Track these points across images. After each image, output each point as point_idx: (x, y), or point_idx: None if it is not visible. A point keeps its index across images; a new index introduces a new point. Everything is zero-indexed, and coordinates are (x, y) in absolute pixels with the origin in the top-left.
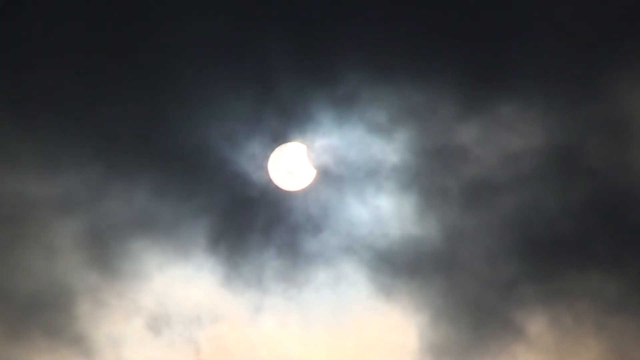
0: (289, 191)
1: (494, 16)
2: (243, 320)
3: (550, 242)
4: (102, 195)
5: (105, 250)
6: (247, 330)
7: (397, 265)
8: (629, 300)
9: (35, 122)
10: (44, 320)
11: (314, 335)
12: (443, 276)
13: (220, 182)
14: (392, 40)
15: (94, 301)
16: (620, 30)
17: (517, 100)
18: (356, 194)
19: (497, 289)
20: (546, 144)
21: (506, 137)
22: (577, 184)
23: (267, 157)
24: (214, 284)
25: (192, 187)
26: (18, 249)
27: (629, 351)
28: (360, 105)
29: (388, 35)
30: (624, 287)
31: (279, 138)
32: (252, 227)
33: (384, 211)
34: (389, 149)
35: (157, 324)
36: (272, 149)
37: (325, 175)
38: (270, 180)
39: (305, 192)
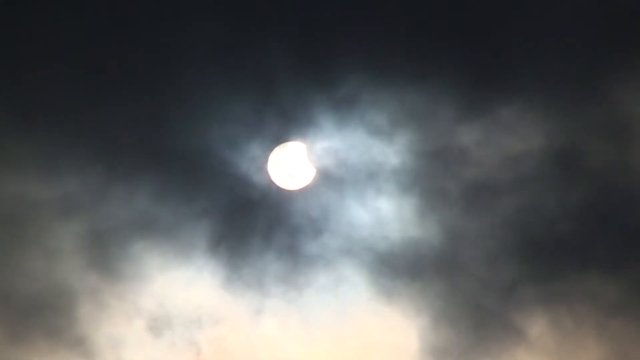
0: (289, 193)
1: (494, 18)
2: (244, 322)
3: (550, 244)
4: (102, 197)
5: (106, 253)
6: (248, 332)
7: (398, 268)
8: (629, 303)
9: (35, 125)
10: (45, 322)
11: (315, 338)
12: (443, 278)
13: (221, 184)
14: (392, 42)
15: (94, 303)
16: (621, 31)
17: (518, 102)
18: (356, 196)
19: (497, 291)
20: (547, 145)
21: (506, 139)
22: (577, 186)
23: (267, 159)
24: (214, 286)
25: (193, 190)
26: (19, 251)
27: (629, 353)
28: (361, 107)
29: (388, 38)
30: (624, 289)
31: (279, 140)
32: (253, 230)
33: (385, 213)
34: (389, 151)
35: (157, 326)
36: (273, 151)
37: (326, 178)
38: (270, 183)
39: (305, 195)
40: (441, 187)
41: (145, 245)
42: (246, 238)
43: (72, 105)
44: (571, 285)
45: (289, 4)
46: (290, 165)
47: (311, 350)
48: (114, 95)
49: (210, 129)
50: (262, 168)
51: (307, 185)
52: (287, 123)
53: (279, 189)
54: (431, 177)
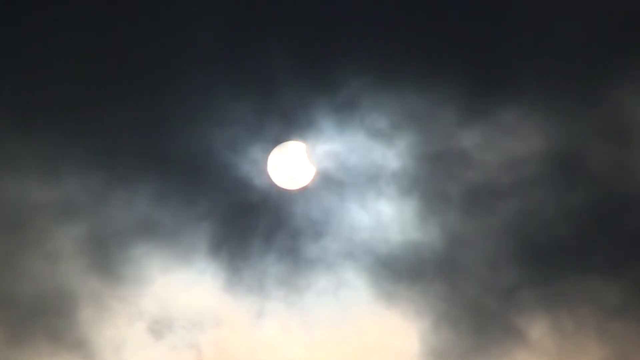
0: (289, 194)
1: (495, 22)
2: (244, 325)
3: (551, 247)
4: (103, 200)
5: (107, 255)
6: (249, 335)
7: (398, 270)
8: (630, 305)
9: (36, 128)
10: (46, 324)
11: (315, 340)
12: (444, 281)
13: (222, 187)
14: (393, 45)
15: (96, 306)
16: (623, 34)
17: (519, 105)
18: (357, 199)
19: (498, 294)
20: (547, 149)
21: (507, 142)
22: (578, 188)
23: (268, 161)
24: (215, 288)
25: (194, 192)
26: (20, 254)
27: (630, 355)
28: (362, 110)
29: (389, 40)
30: (625, 292)
31: (280, 143)
32: (254, 232)
33: (385, 216)
34: (390, 154)
35: (158, 328)
36: (273, 152)
37: (326, 181)
38: (271, 184)
39: (306, 197)
40: (442, 190)
41: (146, 247)
42: (247, 241)
43: (72, 107)
44: (571, 288)
45: (289, 6)
46: (291, 165)
47: (312, 352)
48: (114, 98)
49: (211, 131)
50: (263, 171)
51: (308, 187)
52: (287, 125)
53: (279, 189)
54: (432, 180)
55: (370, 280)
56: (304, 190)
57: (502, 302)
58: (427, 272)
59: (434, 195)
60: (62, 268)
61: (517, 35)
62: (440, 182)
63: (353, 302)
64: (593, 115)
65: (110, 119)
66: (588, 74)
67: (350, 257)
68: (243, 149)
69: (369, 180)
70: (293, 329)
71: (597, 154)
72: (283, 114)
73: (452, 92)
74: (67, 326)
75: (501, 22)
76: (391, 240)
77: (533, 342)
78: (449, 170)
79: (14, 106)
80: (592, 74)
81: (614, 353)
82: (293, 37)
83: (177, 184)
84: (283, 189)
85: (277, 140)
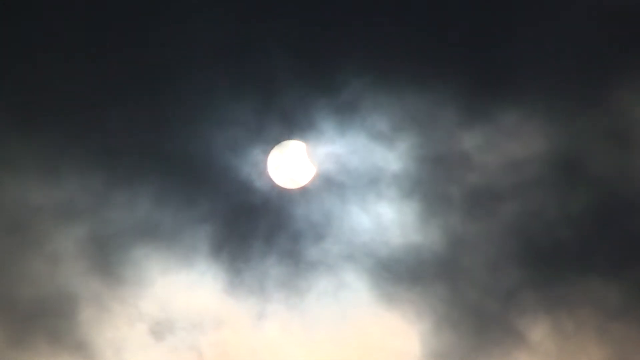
0: (290, 195)
1: (496, 24)
2: (245, 327)
3: (552, 249)
4: (104, 201)
5: (108, 257)
6: (249, 337)
7: (399, 273)
8: (630, 307)
9: (37, 129)
10: (47, 326)
11: (316, 342)
12: (445, 283)
13: (223, 188)
14: (394, 47)
15: (96, 307)
16: (624, 38)
17: (519, 107)
18: (358, 202)
19: (499, 296)
20: (548, 151)
21: (508, 144)
22: (579, 191)
23: (268, 163)
24: (216, 290)
25: (195, 194)
26: (21, 256)
27: (630, 357)
28: (362, 112)
29: (390, 42)
30: (625, 294)
31: (280, 145)
32: (255, 234)
33: (386, 218)
34: (391, 156)
35: (159, 330)
36: (274, 154)
37: (327, 182)
38: (272, 187)
39: (307, 199)
40: (443, 193)
41: (147, 249)
42: (248, 242)
43: (73, 109)
44: (572, 290)
45: (290, 6)
46: (291, 166)
47: (312, 354)
48: (115, 99)
49: (212, 133)
50: (263, 172)
51: (309, 189)
52: (288, 127)
53: (279, 191)
54: (433, 183)
55: (370, 282)
56: (304, 192)
57: (503, 304)
58: (428, 274)
59: (434, 197)
60: (63, 269)
61: (518, 37)
62: (441, 184)
63: (354, 304)
64: (594, 118)
65: (111, 120)
66: (589, 76)
67: (351, 259)
68: (243, 150)
69: (370, 182)
70: (294, 331)
71: (598, 156)
72: (284, 116)
73: (453, 94)
74: (67, 328)
75: (502, 24)
76: (392, 243)
77: (534, 344)
78: (449, 172)
79: (14, 107)
80: (593, 76)
81: (615, 354)
82: (294, 39)
83: (177, 185)
84: (283, 190)
85: (278, 142)
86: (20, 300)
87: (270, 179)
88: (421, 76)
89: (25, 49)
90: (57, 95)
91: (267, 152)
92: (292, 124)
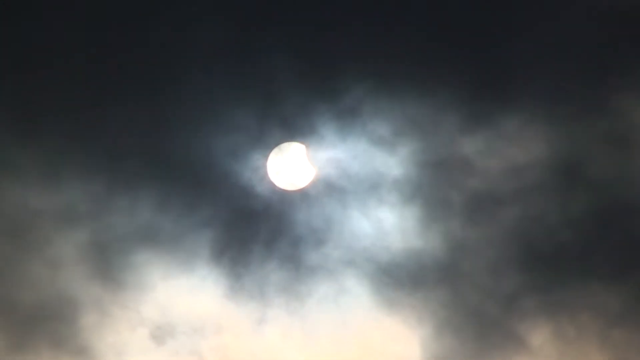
0: (290, 197)
1: (498, 29)
2: (246, 331)
3: (553, 254)
4: (105, 206)
5: (109, 262)
6: (250, 341)
7: (400, 278)
8: (631, 311)
9: (37, 133)
10: (48, 331)
11: (316, 347)
12: (446, 288)
13: (224, 193)
14: (395, 52)
15: (98, 312)
16: (624, 42)
17: (520, 112)
18: (359, 207)
19: (500, 301)
20: (549, 156)
21: (509, 149)
22: (580, 196)
23: (269, 168)
24: (217, 295)
25: (196, 199)
26: (22, 260)
27: None
28: (363, 117)
29: (392, 47)
30: (626, 299)
31: (281, 149)
32: (255, 239)
33: (387, 223)
34: (392, 162)
35: (160, 335)
36: (275, 159)
37: (328, 187)
38: (272, 192)
39: (307, 204)
40: (443, 198)
41: (148, 254)
42: (248, 247)
43: (74, 114)
44: (573, 295)
45: (291, 11)
46: (292, 171)
47: (313, 359)
48: (117, 106)
49: (213, 138)
50: (264, 177)
51: (309, 194)
52: (289, 132)
53: (280, 196)
54: (434, 188)
55: (371, 288)
56: (305, 197)
57: (504, 309)
58: (429, 279)
59: (435, 202)
60: (64, 274)
61: (520, 42)
62: (442, 189)
63: (354, 309)
64: (595, 123)
65: (112, 124)
66: (590, 82)
67: (352, 264)
68: (244, 155)
69: (371, 187)
70: (294, 336)
71: (599, 161)
72: (285, 121)
73: (454, 99)
74: (69, 332)
75: (504, 29)
76: (393, 248)
77: (535, 349)
78: (450, 177)
79: (14, 111)
80: (595, 82)
81: (616, 359)
82: (295, 43)
83: (178, 190)
84: (284, 196)
85: (279, 147)
86: (22, 305)
87: (271, 184)
88: (422, 81)
89: (25, 49)
90: (58, 100)
91: (268, 157)
92: (293, 128)
